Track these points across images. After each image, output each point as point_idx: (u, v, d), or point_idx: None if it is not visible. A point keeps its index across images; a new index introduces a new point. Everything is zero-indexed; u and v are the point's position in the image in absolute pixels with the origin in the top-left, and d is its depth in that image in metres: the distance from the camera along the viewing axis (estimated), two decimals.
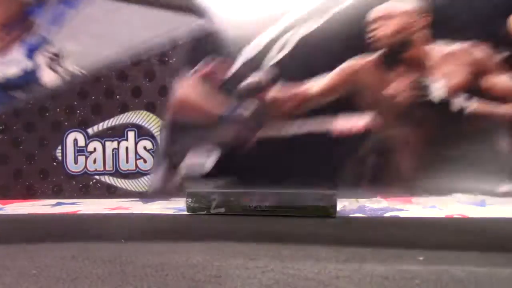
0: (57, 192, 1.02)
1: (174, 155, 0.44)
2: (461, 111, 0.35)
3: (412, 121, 0.36)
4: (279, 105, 0.40)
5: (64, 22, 0.41)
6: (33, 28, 0.41)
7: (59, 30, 0.42)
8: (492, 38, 0.36)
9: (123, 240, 0.38)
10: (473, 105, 0.34)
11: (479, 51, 0.35)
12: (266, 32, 0.43)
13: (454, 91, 0.35)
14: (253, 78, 0.42)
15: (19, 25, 0.41)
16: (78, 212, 0.57)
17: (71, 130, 1.04)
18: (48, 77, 0.42)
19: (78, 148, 1.03)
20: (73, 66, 0.41)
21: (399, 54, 0.38)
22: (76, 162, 1.02)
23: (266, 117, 0.41)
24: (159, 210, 0.47)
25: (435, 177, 0.35)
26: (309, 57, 0.41)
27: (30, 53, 0.41)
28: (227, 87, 0.43)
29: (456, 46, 0.37)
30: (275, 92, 0.41)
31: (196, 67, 0.45)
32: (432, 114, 0.35)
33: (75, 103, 1.02)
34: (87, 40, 0.41)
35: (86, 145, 1.01)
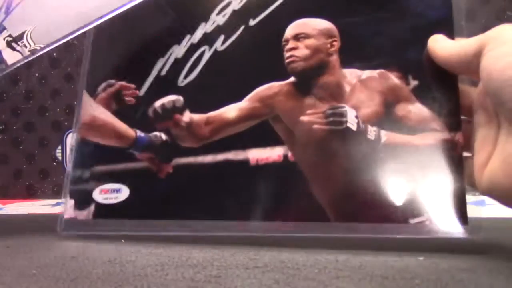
0: (57, 192, 1.02)
1: (80, 194, 0.42)
2: (376, 141, 0.34)
3: (328, 149, 0.35)
4: (194, 129, 0.39)
5: (12, 10, 0.44)
6: None
7: (10, 17, 0.44)
8: (403, 66, 0.35)
9: (123, 240, 0.38)
10: (388, 135, 0.34)
11: (392, 79, 0.35)
12: (175, 50, 0.42)
13: (368, 119, 0.35)
14: (168, 98, 0.40)
15: None
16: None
17: (71, 130, 1.04)
18: (10, 56, 0.44)
19: None
20: (30, 42, 0.43)
21: (315, 78, 0.37)
22: None
23: (174, 150, 0.39)
24: None
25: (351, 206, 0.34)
26: (220, 78, 0.40)
27: None
28: (139, 107, 0.42)
29: (368, 73, 0.36)
30: (189, 115, 0.39)
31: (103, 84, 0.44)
32: (348, 142, 0.35)
33: (75, 103, 1.03)
34: (37, 19, 0.43)
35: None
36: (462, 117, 0.33)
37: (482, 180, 0.31)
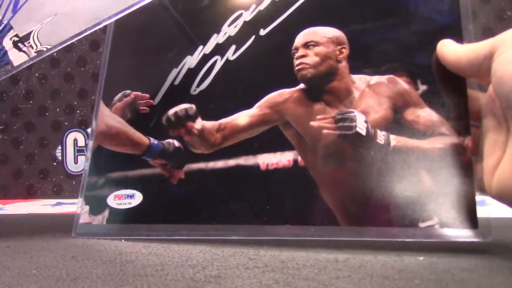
0: (57, 192, 1.02)
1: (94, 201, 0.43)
2: (385, 145, 0.35)
3: (338, 153, 0.36)
4: (206, 136, 0.39)
5: (20, 8, 0.42)
6: None
7: (17, 15, 0.42)
8: (412, 71, 0.36)
9: (122, 240, 0.38)
10: (397, 139, 0.34)
11: (401, 84, 0.35)
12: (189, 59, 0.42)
13: (378, 124, 0.35)
14: (181, 106, 0.41)
15: None
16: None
17: (71, 130, 1.04)
18: (16, 57, 0.42)
19: (78, 148, 1.03)
20: (37, 43, 0.41)
21: (324, 84, 0.37)
22: (76, 162, 1.03)
23: (187, 156, 0.40)
24: None
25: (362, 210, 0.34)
26: (231, 86, 0.40)
27: None
28: (153, 116, 0.42)
29: (377, 78, 0.36)
30: (201, 122, 0.40)
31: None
32: (358, 147, 0.35)
33: (75, 103, 1.03)
34: (45, 19, 0.42)
35: (86, 145, 1.01)
36: (471, 122, 0.34)
37: (492, 184, 0.31)
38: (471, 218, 0.32)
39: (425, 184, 0.33)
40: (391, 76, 0.36)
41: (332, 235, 0.34)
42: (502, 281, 0.26)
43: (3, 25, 0.42)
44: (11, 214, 0.69)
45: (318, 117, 0.36)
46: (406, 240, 0.32)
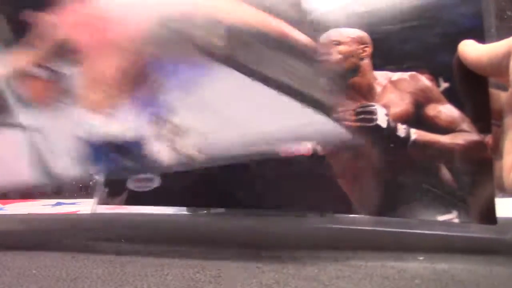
0: (57, 192, 1.02)
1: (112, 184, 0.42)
2: (406, 138, 0.35)
3: (357, 146, 0.36)
4: None
5: (190, 90, 0.35)
6: (152, 88, 0.36)
7: (182, 97, 0.35)
8: (434, 69, 0.36)
9: (123, 240, 0.38)
10: (418, 133, 0.35)
11: (423, 80, 0.36)
12: None
13: (399, 118, 0.36)
14: None
15: (136, 80, 0.36)
16: (78, 212, 0.57)
17: None
18: (161, 151, 0.35)
19: None
20: (191, 145, 0.35)
21: (346, 79, 0.38)
22: None
23: None
24: (157, 210, 0.47)
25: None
26: None
27: (144, 116, 0.36)
28: None
29: (399, 75, 0.37)
30: None
31: None
32: (378, 139, 0.36)
33: None
34: (211, 118, 0.35)
35: None
36: (492, 121, 0.34)
37: (511, 182, 0.31)
38: (490, 215, 0.32)
39: (445, 178, 0.33)
40: (413, 73, 0.36)
41: (352, 225, 0.35)
42: (502, 281, 0.26)
43: (165, 103, 0.36)
44: (11, 214, 0.69)
45: (339, 109, 0.37)
46: (425, 232, 0.33)
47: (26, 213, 0.64)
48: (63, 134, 0.37)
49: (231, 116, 0.35)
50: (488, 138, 0.33)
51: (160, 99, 0.36)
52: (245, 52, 0.35)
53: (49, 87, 0.39)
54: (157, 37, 0.37)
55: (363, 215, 0.34)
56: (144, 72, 0.36)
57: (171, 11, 0.37)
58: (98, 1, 0.38)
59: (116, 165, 0.36)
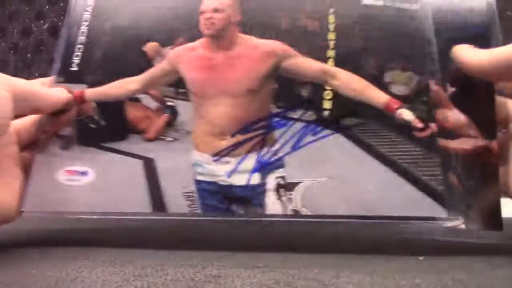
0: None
1: None
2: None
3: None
4: None
5: (301, 147, 0.36)
6: (263, 138, 0.37)
7: (294, 155, 0.36)
8: (441, 74, 0.37)
9: (122, 240, 0.38)
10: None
11: (431, 85, 0.36)
12: None
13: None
14: None
15: (260, 133, 0.37)
16: None
17: None
18: (268, 201, 0.36)
19: None
20: (298, 199, 0.35)
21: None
22: None
23: None
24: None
25: None
26: None
27: (261, 168, 0.36)
28: None
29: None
30: None
31: None
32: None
33: None
34: (318, 177, 0.35)
35: None
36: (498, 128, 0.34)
37: None
38: (496, 220, 0.32)
39: (452, 183, 0.34)
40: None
41: (355, 228, 0.35)
42: (502, 281, 0.26)
43: (276, 156, 0.37)
44: None
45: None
46: (428, 238, 0.33)
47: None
48: (174, 168, 0.38)
49: (338, 177, 0.35)
50: (494, 144, 0.33)
51: (270, 150, 0.37)
52: (351, 120, 0.37)
53: (160, 120, 0.40)
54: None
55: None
56: (255, 121, 0.38)
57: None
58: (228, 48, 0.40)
59: (222, 208, 0.36)
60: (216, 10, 0.40)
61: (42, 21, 1.03)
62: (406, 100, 0.36)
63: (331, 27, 0.40)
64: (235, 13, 0.40)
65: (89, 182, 0.38)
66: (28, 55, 1.02)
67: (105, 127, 0.41)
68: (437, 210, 0.33)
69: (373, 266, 0.29)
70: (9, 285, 0.26)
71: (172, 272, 0.28)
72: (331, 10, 0.40)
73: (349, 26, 0.40)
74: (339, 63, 0.38)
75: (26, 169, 0.38)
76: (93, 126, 0.41)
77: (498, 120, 0.34)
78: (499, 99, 0.35)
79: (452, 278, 0.26)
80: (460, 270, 0.28)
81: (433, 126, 0.35)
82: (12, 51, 1.02)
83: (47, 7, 1.03)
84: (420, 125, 0.35)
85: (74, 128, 0.40)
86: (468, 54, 0.35)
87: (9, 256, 0.33)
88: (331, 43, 0.39)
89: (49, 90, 0.39)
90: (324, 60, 0.38)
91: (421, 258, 0.31)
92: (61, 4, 1.03)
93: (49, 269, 0.29)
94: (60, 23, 1.03)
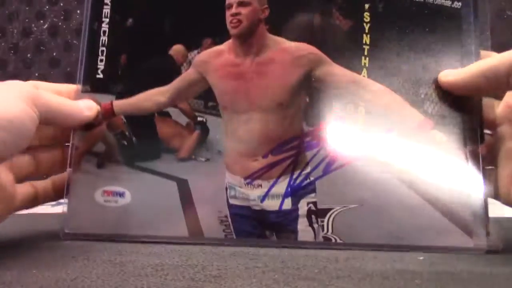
0: None
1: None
2: None
3: None
4: None
5: (331, 171, 0.35)
6: (302, 166, 0.36)
7: (325, 179, 0.35)
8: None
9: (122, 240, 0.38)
10: None
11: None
12: None
13: None
14: None
15: (292, 154, 0.36)
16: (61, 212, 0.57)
17: None
18: (303, 229, 0.35)
19: None
20: (329, 227, 0.35)
21: None
22: None
23: None
24: None
25: None
26: None
27: (293, 193, 0.36)
28: None
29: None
30: None
31: None
32: None
33: None
34: (349, 204, 0.35)
35: None
36: (486, 131, 0.34)
37: (510, 192, 0.32)
38: (483, 226, 0.33)
39: (438, 191, 0.34)
40: None
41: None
42: (502, 281, 0.26)
43: (308, 180, 0.36)
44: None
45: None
46: (416, 244, 0.33)
47: (26, 213, 0.64)
48: (207, 191, 0.37)
49: (368, 204, 0.35)
50: (481, 148, 0.33)
51: (302, 173, 0.36)
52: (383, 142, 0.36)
53: (192, 137, 0.39)
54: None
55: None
56: (287, 141, 0.37)
57: None
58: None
59: (256, 233, 0.36)
60: (241, 3, 0.37)
61: (42, 21, 1.03)
62: (440, 120, 0.35)
63: (366, 27, 0.38)
64: (262, 8, 0.38)
65: (126, 203, 0.37)
66: (28, 55, 1.02)
67: (138, 145, 0.40)
68: (465, 240, 0.33)
69: (373, 266, 0.29)
70: (9, 285, 0.26)
71: (172, 272, 0.28)
72: (367, 5, 0.37)
73: (386, 29, 0.37)
74: (373, 72, 0.37)
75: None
76: (124, 142, 0.39)
77: (486, 122, 0.34)
78: (485, 101, 0.34)
79: (452, 278, 0.26)
80: (460, 270, 0.28)
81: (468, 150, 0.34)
82: (12, 51, 1.02)
83: (47, 7, 1.03)
84: (453, 149, 0.34)
85: (106, 144, 0.39)
86: (445, 74, 0.35)
87: (9, 256, 0.33)
88: (366, 49, 0.37)
89: (77, 104, 0.37)
90: (358, 67, 0.37)
91: (421, 258, 0.31)
92: (61, 4, 1.03)
93: (49, 269, 0.29)
94: (60, 23, 1.03)
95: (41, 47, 1.03)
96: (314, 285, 0.25)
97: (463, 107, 0.35)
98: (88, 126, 0.38)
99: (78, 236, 0.37)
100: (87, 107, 0.37)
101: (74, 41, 1.02)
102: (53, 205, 0.75)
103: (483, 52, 0.35)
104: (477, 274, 0.27)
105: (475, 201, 0.33)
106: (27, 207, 0.38)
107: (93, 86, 0.39)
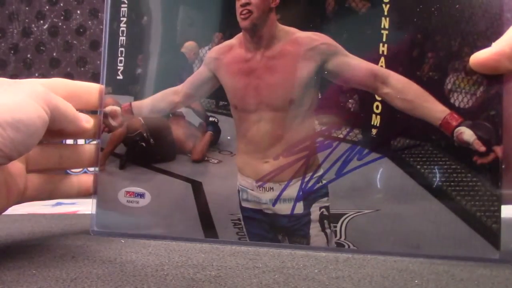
0: None
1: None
2: None
3: None
4: None
5: (345, 174, 0.34)
6: (314, 168, 0.35)
7: (339, 182, 0.34)
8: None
9: (122, 241, 0.38)
10: None
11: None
12: None
13: None
14: None
15: (303, 156, 0.35)
16: (78, 212, 0.57)
17: None
18: (316, 235, 0.35)
19: None
20: (342, 233, 0.33)
21: None
22: None
23: None
24: None
25: None
26: None
27: (305, 196, 0.35)
28: None
29: None
30: None
31: None
32: None
33: None
34: (365, 209, 0.33)
35: None
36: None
37: None
38: (494, 237, 0.31)
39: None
40: None
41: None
42: (502, 281, 0.26)
43: (320, 184, 0.34)
44: (11, 214, 0.69)
45: None
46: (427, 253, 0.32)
47: (26, 213, 0.64)
48: (220, 194, 0.37)
49: (384, 210, 0.33)
50: (499, 149, 0.31)
51: (314, 176, 0.35)
52: (402, 141, 0.33)
53: (204, 138, 0.39)
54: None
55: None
56: (299, 142, 0.35)
57: None
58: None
59: (268, 237, 0.36)
60: None
61: (42, 21, 1.03)
62: (469, 115, 0.31)
63: (385, 9, 0.33)
64: None
65: (146, 204, 0.38)
66: (28, 55, 1.02)
67: (155, 146, 0.40)
68: (489, 251, 0.30)
69: (373, 266, 0.29)
70: (9, 285, 0.26)
71: (172, 272, 0.28)
72: None
73: (408, 10, 0.33)
74: (391, 62, 0.33)
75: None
76: (143, 144, 0.40)
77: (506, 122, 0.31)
78: (506, 97, 0.31)
79: (452, 278, 0.26)
80: (460, 270, 0.28)
81: (498, 150, 0.31)
82: (12, 51, 1.02)
83: (47, 7, 1.03)
84: (482, 148, 0.31)
85: (126, 146, 0.40)
86: (477, 55, 0.31)
87: (9, 256, 0.33)
88: (384, 34, 0.33)
89: (78, 113, 0.37)
90: (375, 56, 0.33)
91: (421, 258, 0.31)
92: (61, 4, 1.03)
93: (49, 269, 0.29)
94: (60, 23, 1.03)
95: (41, 47, 1.03)
96: (314, 285, 0.25)
97: (497, 98, 0.31)
98: (112, 127, 0.40)
99: (106, 234, 0.39)
100: (85, 119, 0.38)
101: (74, 41, 1.02)
102: (53, 205, 0.76)
103: None
104: (477, 274, 0.27)
105: (503, 209, 0.31)
106: (40, 198, 0.39)
107: (114, 88, 0.40)
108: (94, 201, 0.39)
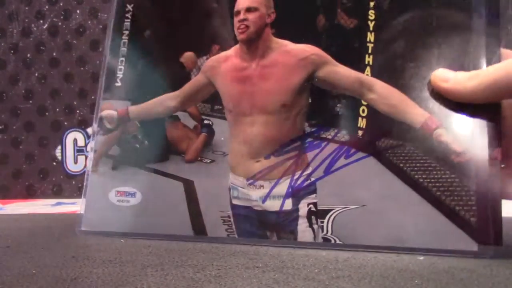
0: (57, 192, 1.02)
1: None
2: None
3: None
4: None
5: (332, 172, 0.35)
6: (303, 166, 0.36)
7: (326, 179, 0.35)
8: None
9: (122, 241, 0.38)
10: None
11: None
12: None
13: None
14: None
15: (293, 155, 0.36)
16: (78, 212, 0.57)
17: (71, 130, 1.04)
18: (302, 229, 0.36)
19: (78, 148, 1.03)
20: (329, 228, 0.34)
21: None
22: (75, 162, 1.03)
23: None
24: None
25: None
26: None
27: (294, 193, 0.36)
28: None
29: None
30: None
31: None
32: None
33: (75, 103, 1.03)
34: (351, 204, 0.35)
35: (86, 145, 1.01)
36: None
37: None
38: (496, 234, 0.31)
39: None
40: None
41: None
42: (502, 281, 0.26)
43: (309, 181, 0.36)
44: (11, 214, 0.69)
45: None
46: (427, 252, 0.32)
47: (26, 213, 0.64)
48: (211, 192, 0.38)
49: (370, 205, 0.34)
50: (497, 151, 0.31)
51: (303, 174, 0.36)
52: (386, 142, 0.35)
53: (198, 140, 0.40)
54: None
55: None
56: (289, 142, 0.37)
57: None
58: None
59: (258, 233, 0.37)
60: (249, 9, 0.38)
61: (41, 21, 1.03)
62: (446, 118, 0.33)
63: (371, 25, 0.37)
64: (269, 12, 0.39)
65: (137, 203, 0.39)
66: (28, 55, 1.02)
67: (149, 147, 0.41)
68: (468, 244, 0.31)
69: (373, 266, 0.29)
70: (9, 285, 0.26)
71: (172, 272, 0.28)
72: (372, 3, 0.37)
73: (391, 26, 0.36)
74: (377, 71, 0.36)
75: None
76: (137, 145, 0.42)
77: (504, 124, 0.32)
78: (505, 102, 0.32)
79: (452, 278, 0.26)
80: (460, 270, 0.28)
81: (497, 151, 0.32)
82: (12, 51, 1.02)
83: (46, 7, 1.03)
84: (459, 148, 0.32)
85: (120, 147, 0.41)
86: (442, 78, 0.33)
87: (9, 256, 0.33)
88: (370, 47, 0.36)
89: None
90: (362, 66, 0.36)
91: (421, 258, 0.31)
92: (61, 4, 1.03)
93: (49, 269, 0.29)
94: (60, 23, 1.03)
95: (41, 47, 1.03)
96: (314, 285, 0.25)
97: (473, 107, 0.33)
98: (106, 130, 0.41)
99: (92, 234, 0.39)
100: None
101: (74, 41, 1.02)
102: (52, 205, 0.76)
103: (504, 51, 0.33)
104: (477, 274, 0.27)
105: (483, 202, 0.32)
106: None
107: (112, 94, 0.42)
108: (84, 201, 0.40)
